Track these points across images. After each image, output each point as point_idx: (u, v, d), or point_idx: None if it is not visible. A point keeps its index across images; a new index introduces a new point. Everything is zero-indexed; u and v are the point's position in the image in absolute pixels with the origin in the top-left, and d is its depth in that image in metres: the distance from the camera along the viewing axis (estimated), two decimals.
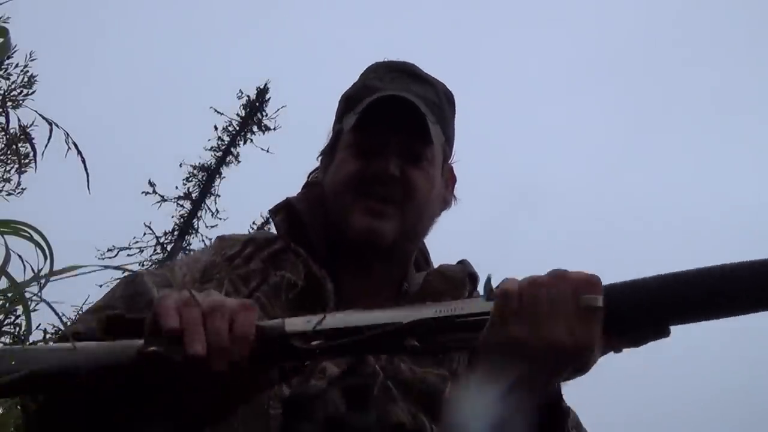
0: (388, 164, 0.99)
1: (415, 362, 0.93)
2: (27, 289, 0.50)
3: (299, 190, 1.14)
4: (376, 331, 0.68)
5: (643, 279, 0.69)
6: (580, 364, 0.69)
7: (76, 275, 0.50)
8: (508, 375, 0.65)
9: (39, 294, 0.50)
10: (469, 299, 0.81)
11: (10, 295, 0.51)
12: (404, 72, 1.11)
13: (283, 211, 1.05)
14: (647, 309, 0.67)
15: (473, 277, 1.04)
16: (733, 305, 0.67)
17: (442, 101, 1.11)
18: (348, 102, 1.10)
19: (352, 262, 1.01)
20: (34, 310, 0.61)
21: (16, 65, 8.75)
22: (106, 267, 0.53)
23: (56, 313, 0.53)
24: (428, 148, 1.03)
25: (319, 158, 1.14)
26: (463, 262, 1.05)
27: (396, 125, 1.00)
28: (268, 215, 1.06)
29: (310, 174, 1.17)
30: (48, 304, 0.50)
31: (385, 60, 1.15)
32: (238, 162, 12.78)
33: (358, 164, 1.01)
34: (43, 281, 0.49)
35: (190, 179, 12.45)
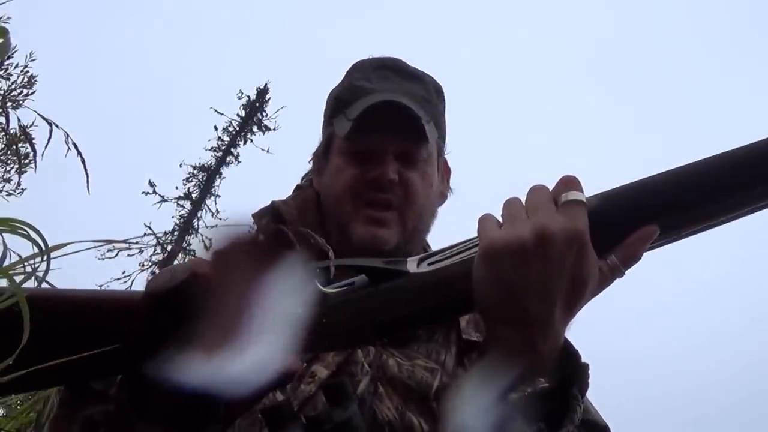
0: (386, 169, 0.98)
1: (403, 354, 0.91)
2: (24, 285, 0.51)
3: (289, 194, 1.12)
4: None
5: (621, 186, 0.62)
6: (578, 271, 0.57)
7: (68, 254, 0.50)
8: (518, 319, 0.57)
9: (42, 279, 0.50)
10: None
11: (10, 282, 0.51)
12: (391, 69, 1.09)
13: (268, 216, 1.03)
14: (629, 212, 0.60)
15: None
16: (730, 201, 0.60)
17: (432, 96, 1.09)
18: (337, 103, 1.08)
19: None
20: None
21: (16, 65, 8.76)
22: (95, 241, 0.53)
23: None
24: (424, 148, 1.02)
25: (311, 161, 1.12)
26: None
27: (391, 130, 0.98)
28: (252, 218, 1.03)
29: (303, 177, 1.15)
30: (49, 283, 0.50)
31: (370, 57, 1.13)
32: (238, 162, 12.79)
33: (354, 171, 1.00)
34: (40, 276, 0.50)
35: (190, 179, 12.46)
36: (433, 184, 1.05)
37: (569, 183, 0.60)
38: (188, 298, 0.59)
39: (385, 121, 0.98)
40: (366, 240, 0.97)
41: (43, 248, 0.51)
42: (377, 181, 0.98)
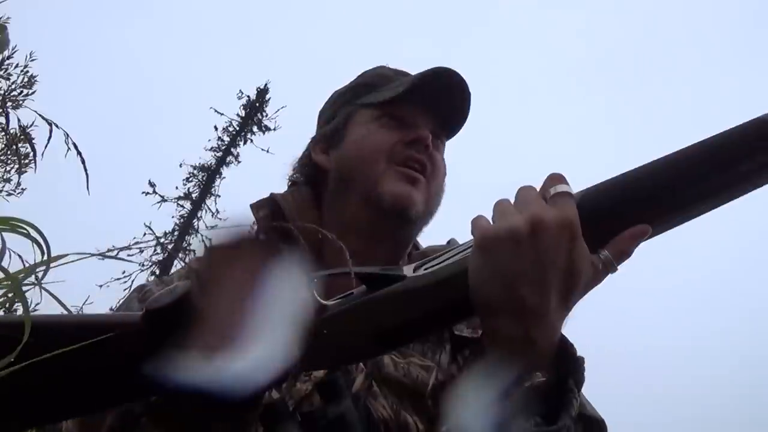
0: (425, 132, 1.00)
1: (398, 352, 0.90)
2: (24, 282, 0.50)
3: (284, 190, 1.11)
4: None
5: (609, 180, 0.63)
6: (571, 260, 0.57)
7: (70, 262, 0.50)
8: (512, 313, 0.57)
9: (39, 283, 0.50)
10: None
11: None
12: (407, 75, 1.11)
13: (267, 208, 1.03)
14: (619, 206, 0.62)
15: None
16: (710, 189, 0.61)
17: None
18: (364, 87, 1.09)
19: (361, 244, 0.97)
20: (34, 311, 0.61)
21: (16, 65, 8.76)
22: (101, 255, 0.53)
23: (58, 301, 0.53)
24: (449, 134, 1.05)
25: (315, 143, 1.12)
26: (450, 242, 1.02)
27: (437, 103, 1.01)
28: (250, 210, 1.03)
29: (291, 171, 1.14)
30: (49, 293, 0.50)
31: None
32: (238, 162, 12.78)
33: (389, 134, 1.01)
34: (40, 273, 0.50)
35: (190, 179, 12.45)
36: (445, 175, 1.07)
37: (555, 179, 0.61)
38: (186, 309, 0.59)
39: (433, 93, 1.01)
40: (400, 197, 0.97)
41: (44, 247, 0.51)
42: (417, 141, 1.00)
